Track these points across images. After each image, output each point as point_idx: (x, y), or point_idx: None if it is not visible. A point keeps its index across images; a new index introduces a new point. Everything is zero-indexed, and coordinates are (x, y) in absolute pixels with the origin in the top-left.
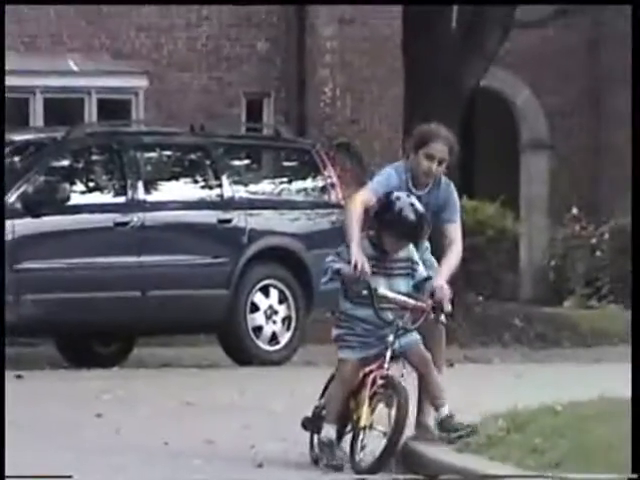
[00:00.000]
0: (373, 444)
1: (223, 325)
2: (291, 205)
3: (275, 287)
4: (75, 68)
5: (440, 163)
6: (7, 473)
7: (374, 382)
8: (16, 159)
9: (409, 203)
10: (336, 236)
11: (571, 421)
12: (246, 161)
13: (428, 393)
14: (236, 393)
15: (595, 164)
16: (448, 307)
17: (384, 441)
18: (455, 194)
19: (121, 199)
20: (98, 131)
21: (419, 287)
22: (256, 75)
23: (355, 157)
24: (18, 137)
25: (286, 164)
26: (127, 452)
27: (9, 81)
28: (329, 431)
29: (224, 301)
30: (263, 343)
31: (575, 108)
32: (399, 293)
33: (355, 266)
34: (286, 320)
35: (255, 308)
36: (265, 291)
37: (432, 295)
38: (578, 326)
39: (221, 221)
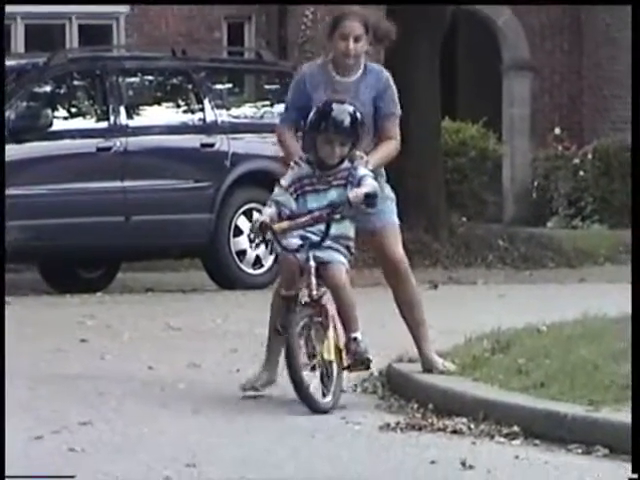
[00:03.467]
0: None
1: (206, 249)
2: (274, 128)
3: (258, 211)
4: None
5: (357, 40)
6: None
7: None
8: None
9: (344, 109)
10: None
11: (555, 341)
12: (228, 85)
13: (340, 316)
14: (220, 317)
15: (577, 84)
16: (359, 197)
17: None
18: (391, 82)
19: (103, 124)
20: (80, 56)
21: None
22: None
23: None
24: None
25: (268, 87)
26: (112, 377)
27: None
28: None
29: (207, 225)
30: (247, 267)
31: (556, 29)
32: (331, 204)
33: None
34: (269, 243)
35: (239, 232)
36: (248, 215)
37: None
38: (562, 246)
39: (204, 145)
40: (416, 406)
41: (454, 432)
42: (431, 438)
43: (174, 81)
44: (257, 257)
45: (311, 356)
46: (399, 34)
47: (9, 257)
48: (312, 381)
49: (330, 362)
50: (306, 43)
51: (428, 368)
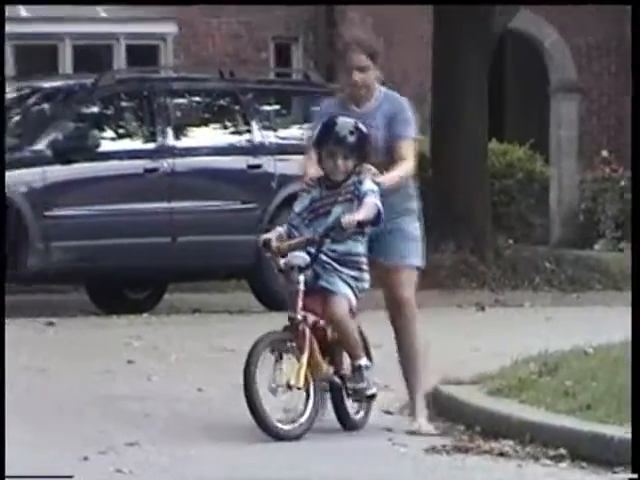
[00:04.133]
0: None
1: (253, 270)
2: None
3: None
4: (104, 14)
5: (362, 70)
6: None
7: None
8: (45, 106)
9: (347, 122)
10: None
11: (602, 364)
12: (275, 106)
13: (343, 346)
14: None
15: (624, 106)
16: (351, 223)
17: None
18: (406, 107)
19: (151, 145)
20: (127, 77)
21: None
22: (285, 19)
23: None
24: (47, 84)
25: (315, 109)
26: (159, 399)
27: (39, 28)
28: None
29: (254, 246)
30: None
31: (603, 50)
32: (328, 227)
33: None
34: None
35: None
36: None
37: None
38: (609, 269)
39: (250, 166)
40: (463, 428)
41: (500, 454)
42: (477, 461)
43: (221, 102)
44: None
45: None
46: (447, 55)
47: (54, 278)
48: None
49: (298, 388)
50: None
51: (411, 429)
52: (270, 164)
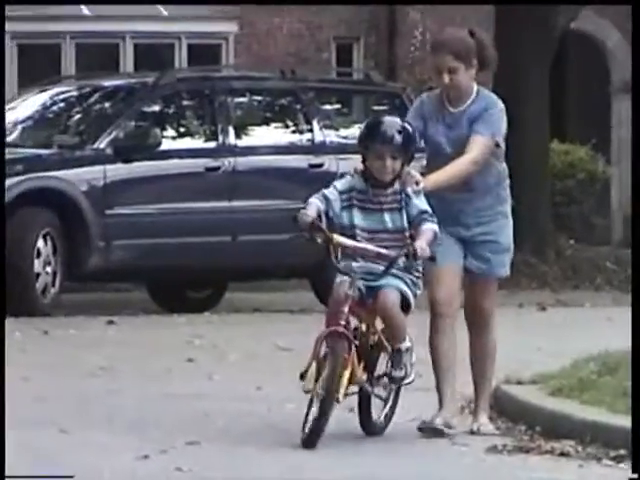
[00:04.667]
0: None
1: (315, 270)
2: None
3: None
4: (165, 13)
5: (451, 72)
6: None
7: (320, 341)
8: (107, 105)
9: (394, 122)
10: None
11: None
12: (336, 105)
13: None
14: None
15: None
16: (426, 252)
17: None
18: (495, 107)
19: (212, 144)
20: (189, 76)
21: (412, 224)
22: (346, 19)
23: None
24: (108, 82)
25: (376, 108)
26: (219, 398)
27: (100, 26)
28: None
29: (316, 246)
30: None
31: None
32: (387, 230)
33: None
34: None
35: None
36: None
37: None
38: None
39: (312, 166)
40: (524, 428)
41: (561, 454)
42: (538, 461)
43: (282, 101)
44: None
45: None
46: (509, 55)
47: (115, 276)
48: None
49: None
50: (415, 64)
51: (472, 429)
52: (331, 163)
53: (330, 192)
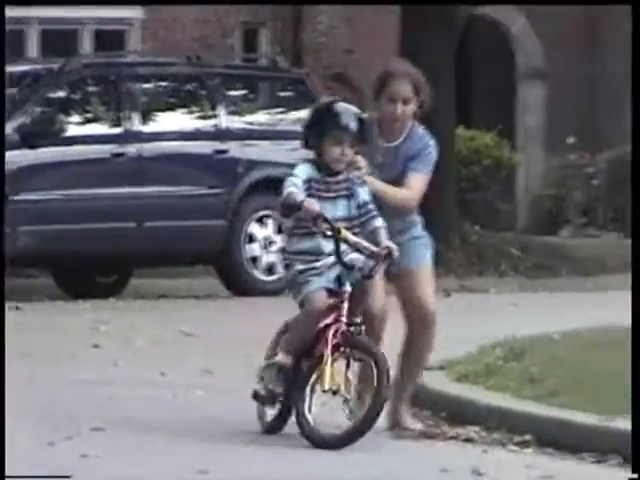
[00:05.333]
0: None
1: (220, 256)
2: (287, 135)
3: (271, 217)
4: None
5: (405, 103)
6: (8, 474)
7: (335, 337)
8: (12, 91)
9: (349, 109)
10: None
11: (569, 350)
12: (242, 91)
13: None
14: (234, 324)
15: (591, 92)
16: (397, 252)
17: (359, 414)
18: (431, 147)
19: (117, 130)
20: (94, 62)
21: (359, 212)
22: (251, 7)
23: (350, 87)
24: (14, 68)
25: (282, 94)
26: (125, 384)
27: (6, 12)
28: (284, 358)
29: (220, 232)
30: (260, 274)
31: (571, 36)
32: (341, 217)
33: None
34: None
35: (252, 239)
36: (262, 221)
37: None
38: (575, 255)
39: (217, 152)
40: (429, 414)
41: (466, 440)
42: (443, 446)
43: (188, 87)
44: (270, 264)
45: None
46: (414, 42)
47: (22, 262)
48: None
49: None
50: (321, 50)
51: (394, 423)
52: (237, 149)
53: (297, 181)
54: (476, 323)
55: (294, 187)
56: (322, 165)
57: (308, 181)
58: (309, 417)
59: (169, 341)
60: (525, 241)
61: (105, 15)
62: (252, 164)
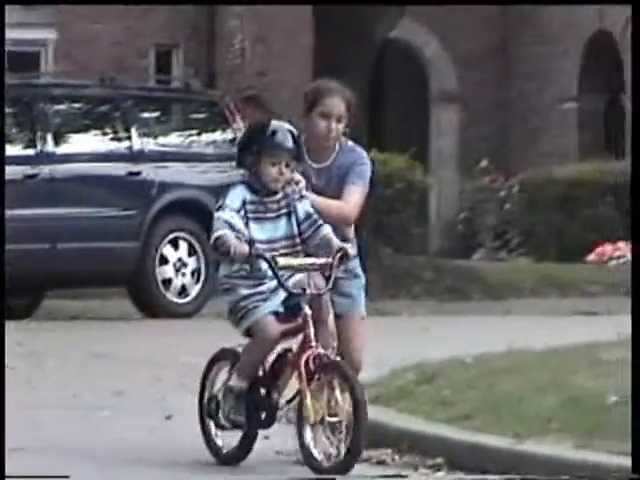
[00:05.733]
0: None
1: (132, 277)
2: (200, 157)
3: (184, 239)
4: None
5: (339, 120)
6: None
7: (307, 366)
8: None
9: (283, 126)
10: None
11: (480, 373)
12: (155, 113)
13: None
14: (145, 345)
15: (504, 116)
16: (353, 250)
17: (346, 437)
18: (365, 161)
19: (30, 151)
20: (8, 83)
21: (302, 227)
22: (166, 26)
23: (263, 109)
24: None
25: (195, 116)
26: (36, 406)
27: None
28: (240, 383)
29: (133, 253)
30: (172, 295)
31: (484, 60)
32: (284, 236)
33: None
34: (195, 272)
35: (164, 261)
36: (175, 244)
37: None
38: (487, 278)
39: (130, 173)
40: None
41: (379, 463)
42: (356, 469)
43: (101, 109)
44: (183, 286)
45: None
46: (327, 64)
47: None
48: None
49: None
50: (234, 73)
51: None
52: (150, 171)
53: (229, 216)
54: (389, 346)
55: (222, 228)
56: (258, 185)
57: (242, 205)
58: (309, 449)
59: (81, 362)
60: (438, 264)
61: (18, 37)
62: (165, 186)
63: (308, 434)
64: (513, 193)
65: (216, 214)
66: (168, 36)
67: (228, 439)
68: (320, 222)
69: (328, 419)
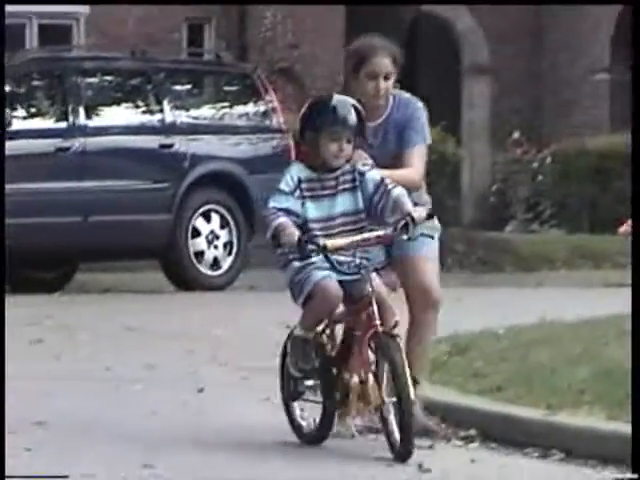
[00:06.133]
0: None
1: (165, 250)
2: (233, 130)
3: (217, 212)
4: None
5: (387, 78)
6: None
7: (370, 347)
8: None
9: (346, 101)
10: (278, 161)
11: (513, 345)
12: (187, 86)
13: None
14: (178, 318)
15: (536, 89)
16: (422, 214)
17: (395, 419)
18: (420, 114)
19: (63, 124)
20: (39, 56)
21: (373, 201)
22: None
23: (296, 82)
24: None
25: (227, 89)
26: (67, 378)
27: None
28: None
29: (166, 226)
30: (205, 268)
31: (516, 33)
32: (343, 213)
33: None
34: (228, 245)
35: (197, 233)
36: (207, 216)
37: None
38: (519, 250)
39: (162, 146)
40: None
41: None
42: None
43: (133, 82)
44: (215, 258)
45: None
46: (361, 34)
47: None
48: None
49: None
50: (266, 45)
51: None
52: (182, 144)
53: (281, 200)
54: None
55: (276, 219)
56: (317, 162)
57: (298, 184)
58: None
59: (113, 336)
60: (470, 236)
61: (50, 10)
62: (197, 158)
63: (386, 415)
64: (545, 165)
65: (269, 203)
66: (200, 10)
67: (310, 420)
68: (390, 186)
69: (387, 400)
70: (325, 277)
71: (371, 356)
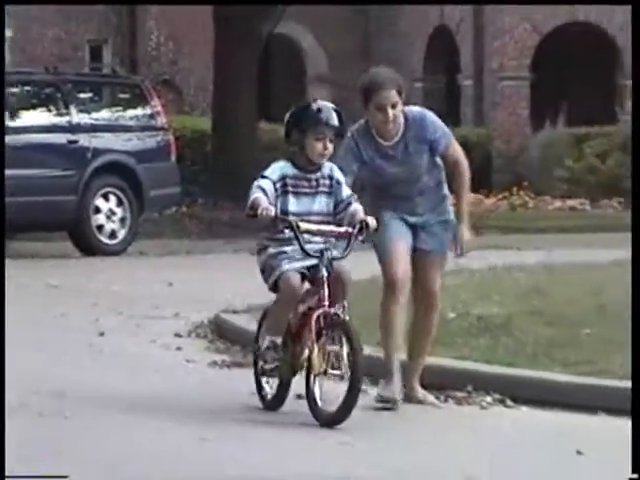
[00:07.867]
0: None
1: (73, 224)
2: (125, 128)
3: (114, 194)
4: None
5: (394, 107)
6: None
7: (317, 323)
8: None
9: (328, 105)
10: (161, 153)
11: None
12: (90, 94)
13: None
14: (84, 278)
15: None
16: (374, 223)
17: (344, 387)
18: (432, 119)
19: None
20: None
21: (338, 208)
22: (97, 26)
23: (176, 90)
24: None
25: (121, 96)
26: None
27: None
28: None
29: (73, 205)
30: (104, 238)
31: (349, 51)
32: (318, 212)
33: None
34: (122, 220)
35: (98, 210)
36: (106, 197)
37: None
38: None
39: (70, 142)
40: (238, 348)
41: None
42: (249, 372)
43: (47, 91)
44: (112, 230)
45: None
46: (225, 54)
47: None
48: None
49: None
50: (152, 61)
51: (410, 398)
52: (85, 140)
53: (265, 183)
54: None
55: (257, 192)
56: (303, 161)
57: (282, 179)
58: (313, 396)
59: (37, 291)
60: None
61: None
62: (98, 151)
63: (313, 383)
64: None
65: (255, 182)
66: (98, 33)
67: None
68: (352, 199)
69: (331, 372)
70: (290, 270)
71: (322, 333)
